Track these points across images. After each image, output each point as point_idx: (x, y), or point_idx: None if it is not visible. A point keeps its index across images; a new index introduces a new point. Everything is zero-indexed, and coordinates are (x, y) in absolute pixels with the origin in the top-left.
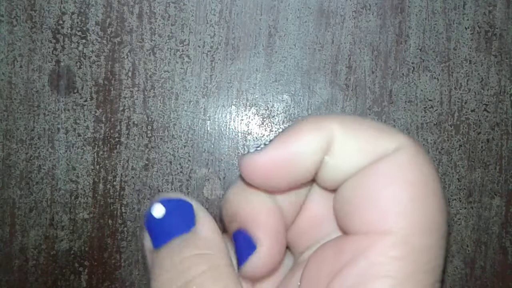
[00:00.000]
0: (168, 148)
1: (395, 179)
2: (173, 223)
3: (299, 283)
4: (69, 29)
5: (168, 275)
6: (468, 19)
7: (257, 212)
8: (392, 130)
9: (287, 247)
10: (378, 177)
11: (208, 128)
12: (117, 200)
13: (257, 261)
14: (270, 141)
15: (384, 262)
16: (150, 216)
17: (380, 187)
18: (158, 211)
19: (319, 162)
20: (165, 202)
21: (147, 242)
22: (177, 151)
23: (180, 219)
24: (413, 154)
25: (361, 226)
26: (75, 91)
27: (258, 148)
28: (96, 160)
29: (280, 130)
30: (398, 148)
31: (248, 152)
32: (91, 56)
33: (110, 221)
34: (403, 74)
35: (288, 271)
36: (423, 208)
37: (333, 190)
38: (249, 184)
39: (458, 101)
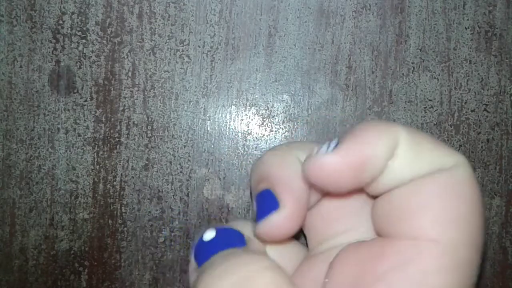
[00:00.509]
0: (168, 148)
1: (453, 192)
2: (222, 241)
3: (326, 280)
4: (69, 29)
5: (221, 269)
6: (468, 19)
7: (288, 175)
8: (450, 147)
9: (304, 237)
10: (437, 187)
11: (208, 128)
12: (117, 200)
13: (277, 219)
14: (338, 142)
15: (434, 271)
16: (200, 241)
17: (437, 197)
18: (209, 235)
19: (385, 167)
20: (217, 228)
21: (192, 265)
22: (177, 151)
23: (230, 240)
24: (469, 172)
25: (410, 231)
26: (75, 91)
27: (329, 149)
28: (96, 160)
29: (280, 130)
30: (456, 165)
31: (317, 153)
32: (91, 56)
33: (110, 221)
34: (403, 74)
35: (301, 262)
36: (471, 223)
37: (374, 196)
38: (311, 184)
39: (458, 101)
